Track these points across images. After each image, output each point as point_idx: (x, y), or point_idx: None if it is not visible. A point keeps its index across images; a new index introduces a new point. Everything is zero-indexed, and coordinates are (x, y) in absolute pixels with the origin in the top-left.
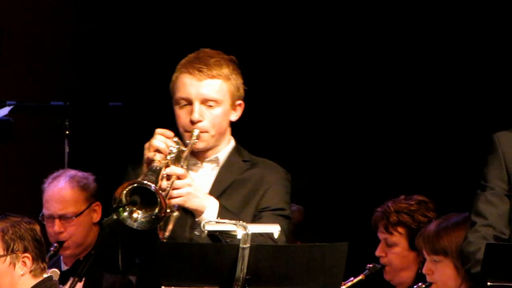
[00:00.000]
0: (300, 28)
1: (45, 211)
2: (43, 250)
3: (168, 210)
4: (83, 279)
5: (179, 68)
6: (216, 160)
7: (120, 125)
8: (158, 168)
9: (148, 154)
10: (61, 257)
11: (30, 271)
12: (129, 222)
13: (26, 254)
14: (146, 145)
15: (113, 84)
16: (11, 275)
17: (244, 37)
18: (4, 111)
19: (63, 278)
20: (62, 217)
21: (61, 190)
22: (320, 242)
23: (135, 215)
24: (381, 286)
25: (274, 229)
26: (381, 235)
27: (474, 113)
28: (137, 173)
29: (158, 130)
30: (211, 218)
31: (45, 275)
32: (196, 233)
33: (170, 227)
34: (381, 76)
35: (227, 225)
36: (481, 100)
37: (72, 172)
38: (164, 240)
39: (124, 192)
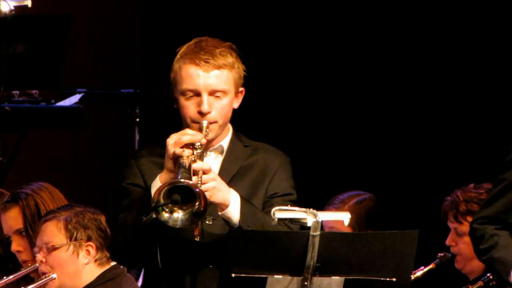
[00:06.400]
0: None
1: None
2: (109, 240)
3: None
4: None
5: (182, 57)
6: (219, 148)
7: None
8: (187, 164)
9: (176, 150)
10: None
11: (95, 260)
12: (171, 222)
13: (90, 243)
14: (171, 140)
15: None
16: (75, 263)
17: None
18: (75, 98)
19: None
20: None
21: None
22: (391, 230)
23: (175, 214)
24: (452, 275)
25: (344, 217)
26: (451, 224)
27: None
28: (140, 167)
29: (190, 131)
30: (235, 211)
31: (112, 264)
32: (207, 222)
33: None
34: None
35: (297, 213)
36: None
37: None
38: (198, 238)
39: (162, 193)
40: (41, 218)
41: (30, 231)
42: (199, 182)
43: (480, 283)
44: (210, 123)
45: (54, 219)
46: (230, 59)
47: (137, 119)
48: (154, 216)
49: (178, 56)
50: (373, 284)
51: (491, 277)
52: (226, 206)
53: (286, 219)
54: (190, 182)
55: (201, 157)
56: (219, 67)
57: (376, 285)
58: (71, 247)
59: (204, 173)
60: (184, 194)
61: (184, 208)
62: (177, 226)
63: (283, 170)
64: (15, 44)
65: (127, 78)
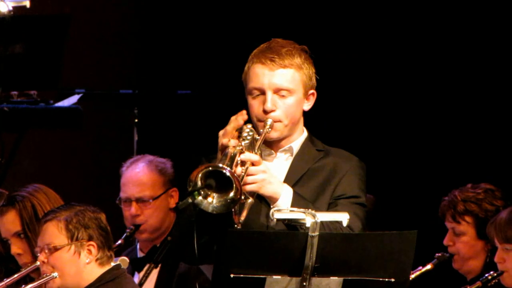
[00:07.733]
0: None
1: (122, 194)
2: (109, 238)
3: (243, 197)
4: (159, 265)
5: (252, 58)
6: (289, 150)
7: (189, 113)
8: (232, 154)
9: (223, 140)
10: (138, 245)
11: (96, 259)
12: (204, 205)
13: (91, 242)
14: (221, 132)
15: (181, 72)
16: (76, 263)
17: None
18: (73, 99)
19: (139, 265)
20: (139, 200)
21: (139, 173)
22: (389, 231)
23: (210, 198)
24: (450, 275)
25: (343, 217)
26: (449, 224)
27: None
28: (212, 161)
29: (233, 117)
30: (285, 205)
31: (112, 263)
32: (271, 223)
33: (244, 213)
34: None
35: (296, 213)
36: None
37: (151, 157)
38: (239, 226)
39: (199, 175)
40: (39, 219)
41: (29, 233)
42: (243, 172)
43: (478, 283)
44: (275, 121)
45: (54, 219)
46: (298, 59)
47: (136, 120)
48: (190, 200)
49: (250, 57)
50: (372, 285)
51: (489, 277)
52: (276, 199)
53: (284, 219)
54: (222, 166)
55: (250, 148)
56: (284, 66)
57: (375, 285)
58: (73, 247)
59: (253, 164)
60: (222, 181)
61: (218, 193)
62: (210, 211)
63: (353, 173)
64: (13, 44)
65: (125, 79)
